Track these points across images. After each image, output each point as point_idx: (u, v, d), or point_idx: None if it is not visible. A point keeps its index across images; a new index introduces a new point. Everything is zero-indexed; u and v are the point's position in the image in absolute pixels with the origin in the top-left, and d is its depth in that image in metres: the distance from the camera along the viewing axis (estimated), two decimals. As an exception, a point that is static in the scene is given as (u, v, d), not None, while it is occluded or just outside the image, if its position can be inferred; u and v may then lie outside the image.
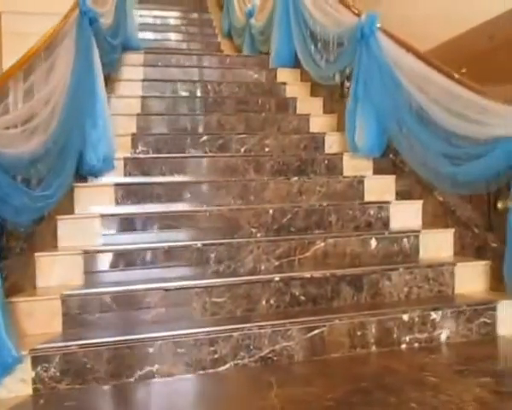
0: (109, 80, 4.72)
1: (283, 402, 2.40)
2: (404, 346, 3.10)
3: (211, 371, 2.81)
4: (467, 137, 3.59)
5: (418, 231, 3.74)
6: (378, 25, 4.24)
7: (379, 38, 4.22)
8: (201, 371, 2.81)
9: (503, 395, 2.39)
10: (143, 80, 5.06)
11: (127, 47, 5.41)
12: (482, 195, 3.64)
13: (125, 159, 3.99)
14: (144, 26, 7.45)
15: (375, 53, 4.21)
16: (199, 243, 3.36)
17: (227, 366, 2.84)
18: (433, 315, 3.16)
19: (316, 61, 5.05)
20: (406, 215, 3.98)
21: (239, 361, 2.86)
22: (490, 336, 3.24)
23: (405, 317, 3.11)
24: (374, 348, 3.06)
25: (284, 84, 5.38)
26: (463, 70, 9.27)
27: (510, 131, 3.30)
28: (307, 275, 3.25)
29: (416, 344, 3.12)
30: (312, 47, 5.13)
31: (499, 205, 3.51)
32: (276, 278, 3.19)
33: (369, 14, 4.31)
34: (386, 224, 3.93)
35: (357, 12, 4.47)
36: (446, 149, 3.73)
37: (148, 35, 7.38)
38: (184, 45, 7.51)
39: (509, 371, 2.75)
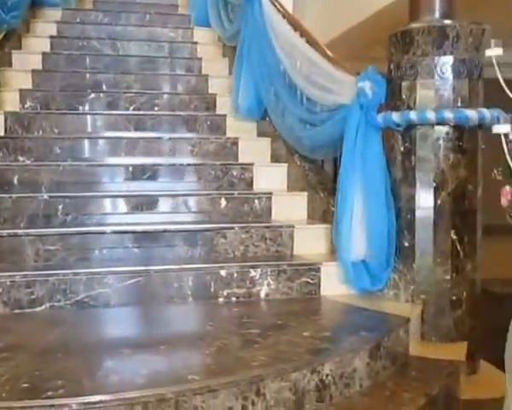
0: (15, 35, 4.89)
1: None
2: (221, 299, 3.27)
3: (28, 310, 3.03)
4: (321, 104, 3.72)
5: (271, 194, 3.88)
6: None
7: (262, 1, 4.29)
8: (18, 311, 3.02)
9: (248, 341, 2.60)
10: (53, 37, 5.20)
11: (43, 3, 5.53)
12: (331, 161, 3.76)
13: (6, 113, 4.19)
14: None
15: (257, 16, 4.29)
16: (45, 195, 3.57)
17: (43, 307, 3.05)
18: (252, 272, 3.31)
19: (222, 21, 5.14)
20: (271, 178, 4.12)
21: (55, 303, 3.05)
22: (312, 295, 3.39)
23: (223, 272, 3.28)
24: (190, 299, 3.23)
25: (196, 43, 5.46)
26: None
27: (348, 98, 3.40)
28: (140, 229, 3.44)
29: (234, 299, 3.28)
30: (220, 7, 5.20)
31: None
32: (109, 230, 3.39)
33: (253, -25, 4.38)
34: (249, 185, 4.08)
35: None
36: (306, 115, 3.85)
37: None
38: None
39: (291, 325, 2.87)
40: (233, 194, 3.84)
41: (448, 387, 2.82)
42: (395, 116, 3.22)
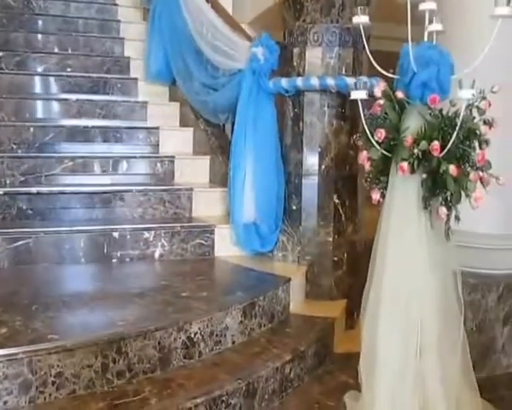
0: None
1: None
2: (114, 261, 3.32)
3: None
4: (223, 69, 3.75)
5: (173, 157, 3.93)
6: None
7: (173, -37, 4.26)
8: None
9: (125, 301, 2.74)
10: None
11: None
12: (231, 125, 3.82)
13: None
14: None
15: (168, -21, 4.27)
16: None
17: None
18: (146, 234, 3.38)
19: (140, -17, 5.09)
20: (177, 142, 4.16)
21: None
22: (206, 256, 3.48)
23: (116, 234, 3.33)
24: (83, 260, 3.27)
25: (116, 5, 5.37)
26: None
27: (243, 64, 3.45)
28: (34, 190, 3.45)
29: (128, 260, 3.35)
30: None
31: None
32: (1, 192, 3.38)
33: None
34: (155, 148, 4.11)
35: None
36: (209, 80, 3.88)
37: None
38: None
39: (174, 285, 2.98)
40: (135, 156, 3.87)
41: (321, 342, 2.96)
42: (284, 82, 3.29)
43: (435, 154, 2.13)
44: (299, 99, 3.31)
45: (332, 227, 3.30)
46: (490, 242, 3.12)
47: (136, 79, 4.53)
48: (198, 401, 2.24)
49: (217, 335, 2.65)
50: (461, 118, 2.13)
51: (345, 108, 3.23)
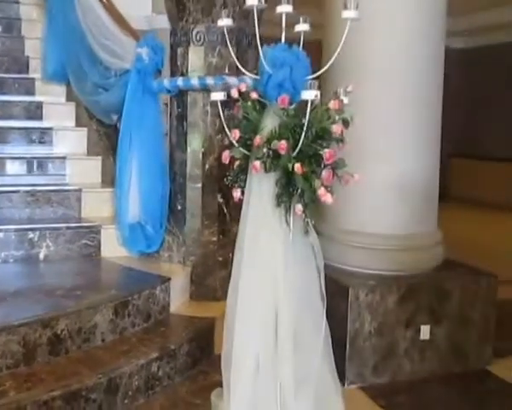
0: None
1: None
2: (-2, 261, 3.29)
3: None
4: (114, 69, 3.73)
5: (64, 158, 3.90)
6: None
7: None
8: None
9: None
10: None
11: None
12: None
13: None
14: None
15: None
16: None
17: None
18: (31, 234, 3.35)
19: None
20: (71, 142, 4.12)
21: None
22: (93, 256, 3.47)
23: (0, 235, 3.29)
24: (-34, 262, 3.22)
25: (18, 3, 5.25)
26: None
27: (128, 64, 3.45)
28: None
29: (12, 260, 3.30)
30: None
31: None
32: None
33: None
34: (49, 148, 4.06)
35: None
36: (101, 80, 3.84)
37: None
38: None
39: (51, 284, 3.02)
40: (25, 157, 3.82)
41: (196, 341, 2.99)
42: (166, 82, 3.32)
43: (282, 152, 2.19)
44: (183, 99, 3.35)
45: (216, 227, 3.35)
46: (388, 242, 3.12)
47: (33, 78, 4.44)
48: (55, 393, 2.27)
49: (85, 332, 2.66)
50: (307, 118, 2.19)
51: (229, 106, 3.26)
